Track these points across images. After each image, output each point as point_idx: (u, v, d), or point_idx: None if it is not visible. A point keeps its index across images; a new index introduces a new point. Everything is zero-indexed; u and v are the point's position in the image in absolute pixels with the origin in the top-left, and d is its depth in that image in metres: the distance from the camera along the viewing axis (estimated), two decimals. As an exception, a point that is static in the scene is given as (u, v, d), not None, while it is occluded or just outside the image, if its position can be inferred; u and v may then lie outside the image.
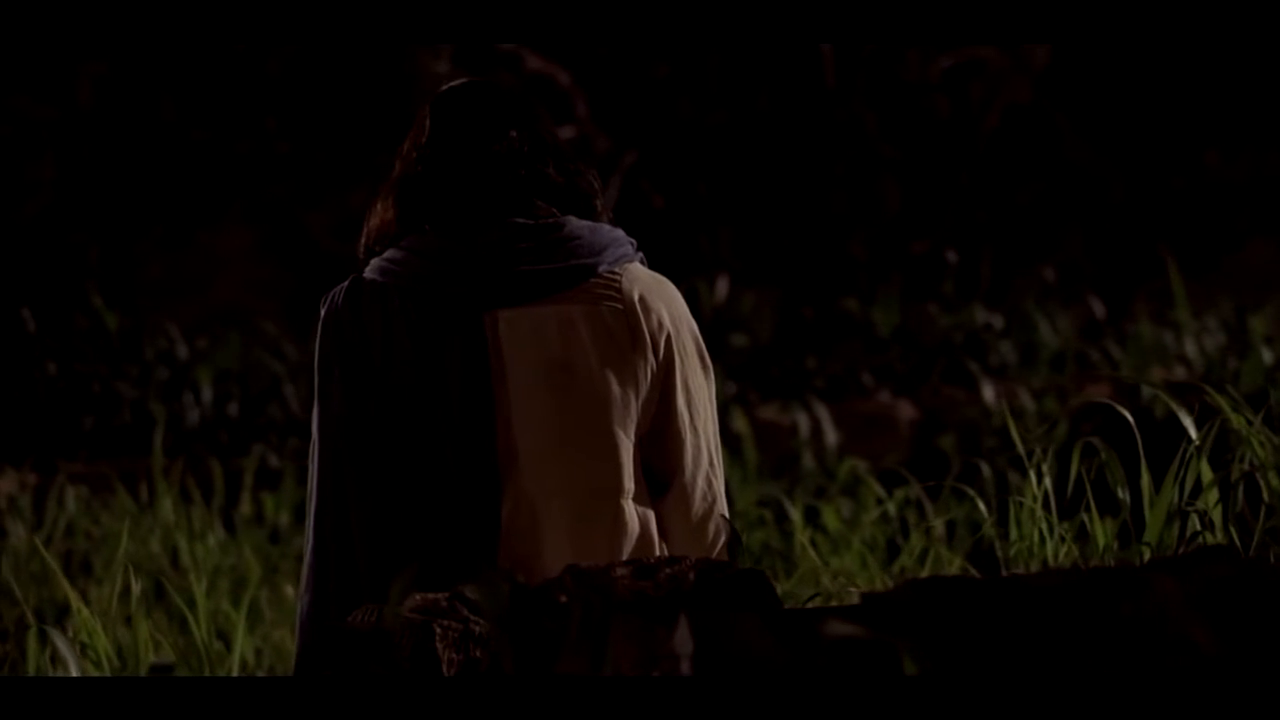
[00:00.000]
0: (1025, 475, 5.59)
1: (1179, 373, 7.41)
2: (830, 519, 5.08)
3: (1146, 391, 7.15)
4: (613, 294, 2.85)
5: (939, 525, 3.92)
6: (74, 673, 2.87)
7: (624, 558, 2.88)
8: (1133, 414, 7.52)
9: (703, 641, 2.05)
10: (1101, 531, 3.50)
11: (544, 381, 2.82)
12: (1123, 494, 3.63)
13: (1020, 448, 3.73)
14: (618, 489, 2.85)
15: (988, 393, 7.42)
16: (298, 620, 2.95)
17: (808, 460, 7.10)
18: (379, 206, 2.99)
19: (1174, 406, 3.64)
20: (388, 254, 2.91)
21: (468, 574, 2.84)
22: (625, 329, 2.84)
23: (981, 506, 3.62)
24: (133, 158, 11.09)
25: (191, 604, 4.43)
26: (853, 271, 11.30)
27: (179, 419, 8.76)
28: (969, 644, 1.97)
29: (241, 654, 4.48)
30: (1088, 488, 3.51)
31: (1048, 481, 3.67)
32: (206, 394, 9.05)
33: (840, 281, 11.16)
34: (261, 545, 6.50)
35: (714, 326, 9.10)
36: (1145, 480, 3.50)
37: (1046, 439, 3.70)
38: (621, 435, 2.84)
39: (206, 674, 4.17)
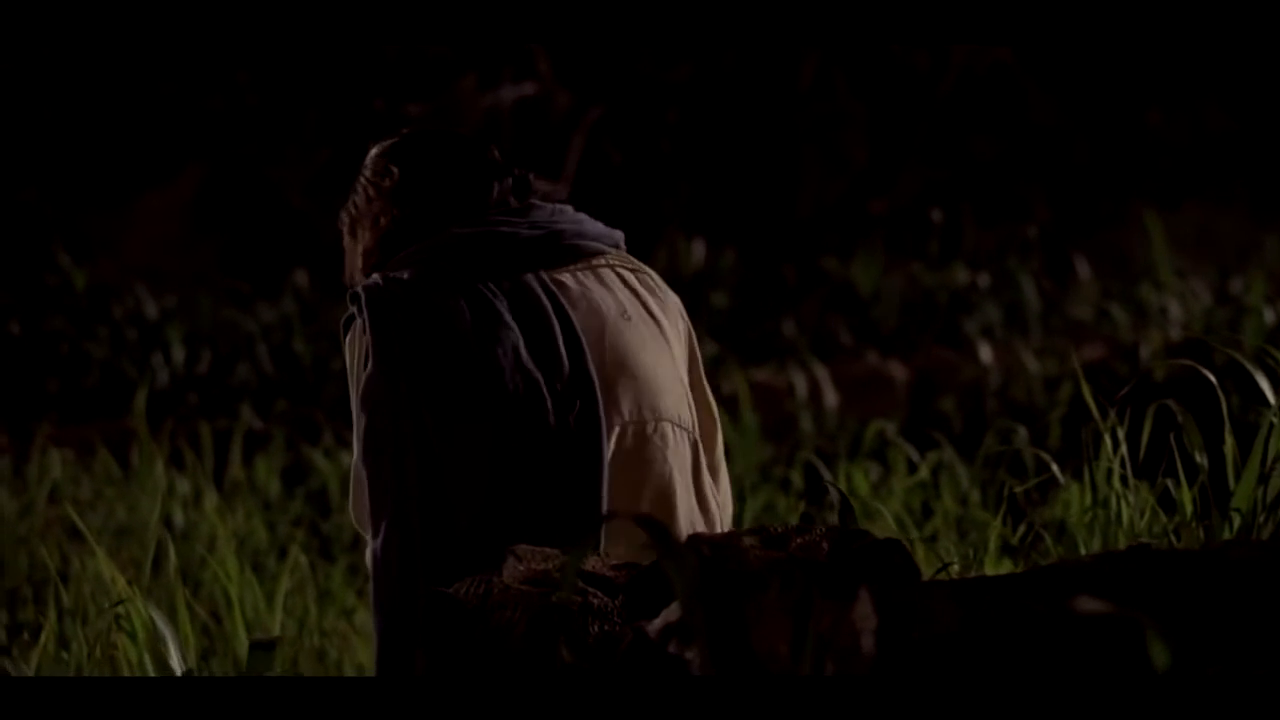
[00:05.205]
0: (1042, 438, 5.50)
1: (1175, 334, 7.38)
2: (860, 483, 5.00)
3: (1144, 352, 7.13)
4: (631, 262, 2.99)
5: (1016, 491, 3.83)
6: (172, 649, 2.74)
7: (694, 502, 2.89)
8: (1132, 375, 7.46)
9: (887, 615, 1.96)
10: (1188, 498, 3.43)
11: (610, 329, 2.86)
12: (1200, 459, 3.56)
13: (1094, 410, 3.66)
14: (690, 425, 2.89)
15: (985, 353, 7.37)
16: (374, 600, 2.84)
17: (806, 422, 7.02)
18: (364, 232, 2.99)
19: (1251, 369, 3.56)
20: (408, 253, 2.89)
21: (574, 541, 2.75)
22: (656, 288, 2.96)
23: (1057, 471, 3.54)
24: (92, 112, 10.86)
25: (203, 570, 4.31)
26: (820, 230, 11.23)
27: (151, 380, 8.56)
28: (1196, 618, 1.89)
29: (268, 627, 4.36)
30: (1175, 451, 3.44)
31: (1124, 448, 3.59)
32: (178, 354, 8.86)
33: (808, 239, 11.08)
34: (256, 510, 6.35)
35: (693, 286, 9.01)
36: (1230, 444, 3.43)
37: (1122, 401, 3.63)
38: (683, 375, 2.92)
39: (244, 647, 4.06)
